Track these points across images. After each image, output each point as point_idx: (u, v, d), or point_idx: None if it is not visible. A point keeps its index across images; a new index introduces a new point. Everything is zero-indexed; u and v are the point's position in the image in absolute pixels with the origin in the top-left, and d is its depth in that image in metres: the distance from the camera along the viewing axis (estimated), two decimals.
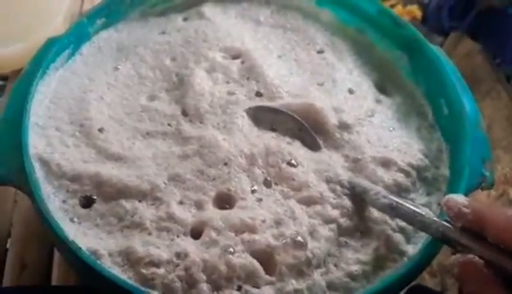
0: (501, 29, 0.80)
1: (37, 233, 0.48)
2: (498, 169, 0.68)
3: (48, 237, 0.36)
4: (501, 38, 0.79)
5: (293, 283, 0.34)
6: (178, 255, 0.34)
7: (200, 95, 0.44)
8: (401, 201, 0.35)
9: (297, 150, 0.41)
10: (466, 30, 0.82)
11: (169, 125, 0.43)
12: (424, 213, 0.33)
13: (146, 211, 0.37)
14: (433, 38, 0.88)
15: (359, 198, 0.38)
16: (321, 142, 0.42)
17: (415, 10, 1.01)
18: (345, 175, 0.39)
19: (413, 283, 0.40)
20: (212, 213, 0.37)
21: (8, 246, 0.48)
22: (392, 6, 1.02)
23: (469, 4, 0.82)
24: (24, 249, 0.47)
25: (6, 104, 0.41)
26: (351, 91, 0.46)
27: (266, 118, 0.43)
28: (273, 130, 0.43)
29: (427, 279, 0.61)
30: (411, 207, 0.34)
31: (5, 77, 0.60)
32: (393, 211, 0.35)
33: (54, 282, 0.45)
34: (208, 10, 0.52)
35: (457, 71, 0.46)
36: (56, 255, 0.47)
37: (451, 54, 0.82)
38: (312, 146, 0.42)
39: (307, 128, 0.42)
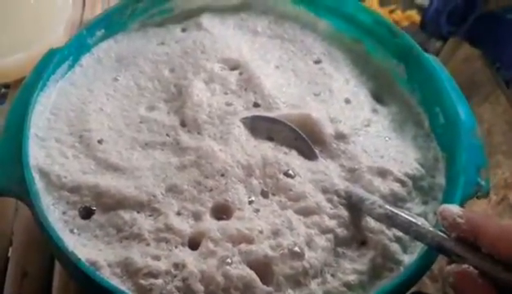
0: (500, 34, 0.80)
1: (38, 242, 0.48)
2: (498, 174, 0.68)
3: (48, 247, 0.37)
4: (500, 43, 0.79)
5: (290, 293, 0.34)
6: (176, 266, 0.35)
7: (198, 106, 0.44)
8: (397, 211, 0.35)
9: (294, 160, 0.41)
10: (465, 35, 0.82)
11: (168, 135, 0.43)
12: (419, 223, 0.33)
13: (145, 222, 0.37)
14: (431, 43, 0.88)
15: (356, 208, 0.39)
16: (317, 152, 0.42)
17: (414, 15, 1.02)
18: (342, 185, 0.40)
19: (413, 290, 0.40)
20: (209, 224, 0.37)
21: (9, 254, 0.48)
22: (392, 11, 1.02)
23: (468, 9, 0.82)
24: (25, 257, 0.47)
25: (6, 115, 0.42)
26: (347, 101, 0.46)
27: (262, 127, 0.43)
28: (270, 139, 0.43)
29: (428, 284, 0.61)
30: (407, 217, 0.34)
31: (7, 85, 0.60)
32: (389, 220, 0.35)
33: (54, 290, 0.46)
34: (206, 21, 0.52)
35: (452, 80, 0.46)
36: (57, 263, 0.47)
37: (450, 59, 0.83)
38: (309, 156, 0.42)
39: (303, 138, 0.43)
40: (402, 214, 0.35)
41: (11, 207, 0.51)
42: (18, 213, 0.51)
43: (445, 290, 0.60)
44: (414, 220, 0.34)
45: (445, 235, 0.32)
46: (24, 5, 0.63)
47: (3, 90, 0.60)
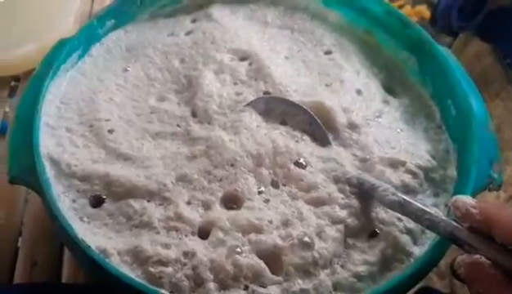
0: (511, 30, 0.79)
1: (47, 232, 0.48)
2: (508, 170, 0.68)
3: (58, 235, 0.37)
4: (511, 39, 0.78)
5: (299, 283, 0.34)
6: (186, 254, 0.35)
7: (209, 97, 0.44)
8: (409, 199, 0.35)
9: (305, 148, 0.41)
10: (476, 31, 0.81)
11: (178, 126, 0.43)
12: (432, 212, 0.33)
13: (155, 211, 0.37)
14: (442, 39, 0.87)
15: (367, 196, 0.38)
16: (330, 138, 0.42)
17: (424, 10, 1.01)
18: (354, 173, 0.39)
19: (421, 285, 0.40)
20: (219, 213, 0.37)
21: (19, 244, 0.48)
22: (401, 6, 1.01)
23: (479, 4, 0.81)
24: (35, 247, 0.48)
25: (17, 104, 0.42)
26: (359, 92, 0.46)
27: (277, 109, 0.43)
28: (283, 123, 0.43)
29: (435, 281, 0.61)
30: (420, 206, 0.34)
31: (17, 79, 0.61)
32: (402, 208, 0.35)
33: (64, 279, 0.46)
34: (215, 11, 0.52)
35: (465, 72, 0.46)
36: (66, 253, 0.47)
37: (461, 55, 0.82)
38: (322, 141, 0.42)
39: (317, 122, 0.42)
40: (415, 202, 0.34)
41: (21, 199, 0.51)
42: (28, 204, 0.51)
43: (452, 286, 0.59)
44: (427, 208, 0.33)
45: (458, 225, 0.31)
46: None
47: (13, 83, 0.61)
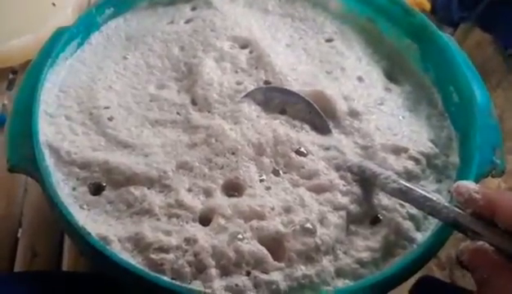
0: None
1: (47, 222, 0.48)
2: (509, 160, 0.68)
3: (58, 224, 0.37)
4: None
5: (302, 269, 0.34)
6: (187, 241, 0.34)
7: (209, 85, 0.44)
8: (411, 186, 0.35)
9: (306, 137, 0.41)
10: (476, 21, 0.81)
11: (178, 114, 0.43)
12: (434, 198, 0.33)
13: (155, 198, 0.37)
14: (442, 29, 0.87)
15: (369, 183, 0.38)
16: (331, 126, 0.42)
17: (424, 1, 1.00)
18: (355, 160, 0.39)
19: (422, 275, 0.39)
20: (220, 200, 0.37)
21: (19, 235, 0.48)
22: None
23: None
24: (35, 238, 0.48)
25: (16, 92, 0.42)
26: (360, 79, 0.46)
27: (276, 99, 0.43)
28: (283, 112, 0.43)
29: (435, 271, 0.61)
30: (422, 192, 0.34)
31: (15, 71, 0.60)
32: (404, 195, 0.35)
33: (64, 269, 0.46)
34: None
35: (467, 58, 0.45)
36: (66, 243, 0.47)
37: (462, 45, 0.81)
38: (322, 130, 0.42)
39: (317, 111, 0.42)
40: (417, 189, 0.34)
41: (21, 189, 0.51)
42: (27, 194, 0.51)
43: (452, 277, 0.59)
44: (429, 195, 0.33)
45: (461, 211, 0.31)
46: None
47: (11, 76, 0.60)
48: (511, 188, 0.66)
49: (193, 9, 0.52)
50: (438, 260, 0.55)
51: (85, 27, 0.48)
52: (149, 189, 0.38)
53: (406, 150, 0.40)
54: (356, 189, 0.38)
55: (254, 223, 0.35)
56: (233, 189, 0.38)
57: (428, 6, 0.96)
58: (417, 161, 0.40)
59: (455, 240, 0.36)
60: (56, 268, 0.46)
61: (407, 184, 0.35)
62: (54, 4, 0.62)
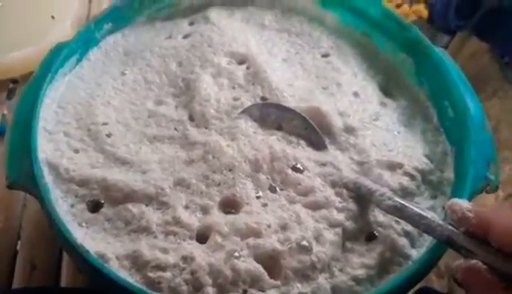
0: (509, 29, 0.79)
1: (46, 236, 0.49)
2: (506, 170, 0.68)
3: (57, 241, 0.37)
4: (509, 38, 0.78)
5: (298, 287, 0.34)
6: (185, 259, 0.35)
7: (206, 101, 0.44)
8: (406, 203, 0.35)
9: (302, 153, 0.41)
10: (473, 29, 0.81)
11: (176, 130, 0.43)
12: (429, 216, 0.33)
13: (153, 215, 0.37)
14: (439, 38, 0.87)
15: (364, 200, 0.38)
16: (326, 142, 0.42)
17: (422, 9, 1.00)
18: (351, 177, 0.40)
19: (420, 286, 0.40)
20: (217, 218, 0.37)
21: (18, 248, 0.49)
22: (398, 5, 1.01)
23: (477, 3, 0.81)
24: (34, 251, 0.48)
25: (15, 109, 0.42)
26: (356, 95, 0.46)
27: (272, 115, 0.43)
28: (279, 128, 0.43)
29: (434, 281, 0.61)
30: (417, 210, 0.34)
31: (15, 81, 0.61)
32: (399, 212, 0.35)
33: (63, 283, 0.46)
34: (213, 14, 0.52)
35: (462, 73, 0.46)
36: (65, 257, 0.47)
37: (458, 53, 0.82)
38: (318, 146, 0.42)
39: (313, 127, 0.42)
40: (412, 206, 0.34)
41: (20, 203, 0.51)
42: (26, 208, 0.51)
43: (451, 286, 0.59)
44: (424, 213, 0.33)
45: (455, 229, 0.32)
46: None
47: (11, 85, 0.61)
48: (509, 195, 0.66)
49: (191, 24, 0.52)
50: (437, 268, 0.56)
51: (84, 42, 0.48)
52: (147, 206, 0.38)
53: (401, 166, 0.41)
54: (351, 205, 0.38)
55: (251, 241, 0.36)
56: (230, 205, 0.39)
57: (425, 13, 0.97)
58: (412, 177, 0.40)
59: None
60: (54, 281, 0.46)
61: (402, 202, 0.35)
62: (53, 17, 0.62)
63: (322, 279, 0.35)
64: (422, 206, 0.39)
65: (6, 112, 0.58)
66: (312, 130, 0.42)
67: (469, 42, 0.84)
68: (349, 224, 0.37)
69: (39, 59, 0.45)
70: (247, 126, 0.43)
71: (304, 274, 0.34)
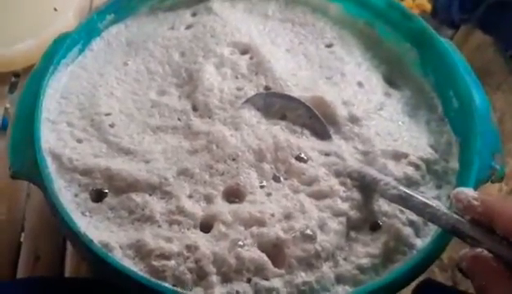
0: None
1: (49, 227, 0.49)
2: (510, 163, 0.68)
3: (61, 230, 0.37)
4: None
5: (302, 276, 0.34)
6: (189, 247, 0.35)
7: (210, 91, 0.44)
8: (411, 192, 0.35)
9: (306, 143, 0.41)
10: (477, 23, 0.81)
11: (179, 120, 0.43)
12: (434, 205, 0.33)
13: (156, 205, 0.37)
14: (443, 31, 0.87)
15: (369, 189, 0.38)
16: (331, 132, 0.42)
17: (425, 2, 1.00)
18: (355, 166, 0.39)
19: (424, 278, 0.40)
20: (221, 207, 0.37)
21: (22, 239, 0.49)
22: None
23: None
24: (38, 242, 0.48)
25: (18, 99, 0.42)
26: (360, 85, 0.46)
27: (277, 104, 0.43)
28: (283, 118, 0.43)
29: (437, 274, 0.61)
30: (422, 199, 0.34)
31: (17, 74, 0.61)
32: (403, 201, 0.35)
33: (67, 273, 0.46)
34: (216, 4, 0.52)
35: (467, 63, 0.45)
36: (69, 247, 0.47)
37: (462, 47, 0.81)
38: (322, 135, 0.42)
39: (317, 116, 0.42)
40: (417, 195, 0.34)
41: (23, 194, 0.51)
42: (30, 199, 0.51)
43: (454, 279, 0.59)
44: (429, 201, 0.33)
45: (460, 218, 0.31)
46: None
47: (13, 79, 0.61)
48: None
49: (193, 15, 0.52)
50: (440, 262, 0.55)
51: (86, 33, 0.48)
52: (150, 195, 0.38)
53: (406, 156, 0.40)
54: (356, 194, 0.38)
55: (255, 229, 0.36)
56: (234, 195, 0.39)
57: (428, 7, 0.96)
58: (417, 167, 0.40)
59: (458, 243, 0.36)
60: (58, 271, 0.47)
61: (407, 191, 0.35)
62: (56, 9, 0.62)
63: (326, 268, 0.35)
64: (427, 195, 0.39)
65: (8, 105, 0.58)
66: (317, 119, 0.42)
67: (473, 35, 0.83)
68: (353, 213, 0.37)
69: (41, 51, 0.45)
70: (250, 115, 0.42)
71: (308, 263, 0.34)
